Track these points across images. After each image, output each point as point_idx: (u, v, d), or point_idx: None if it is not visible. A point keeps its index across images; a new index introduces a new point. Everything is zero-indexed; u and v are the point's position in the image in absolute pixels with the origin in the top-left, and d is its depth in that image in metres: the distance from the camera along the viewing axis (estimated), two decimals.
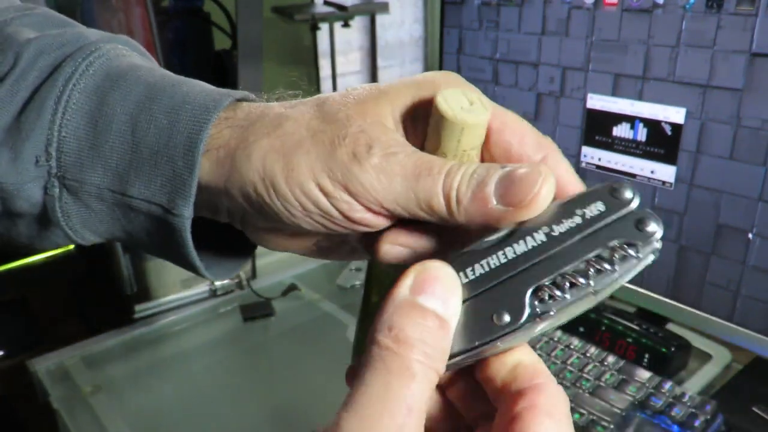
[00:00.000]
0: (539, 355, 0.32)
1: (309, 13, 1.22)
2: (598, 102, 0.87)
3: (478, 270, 0.25)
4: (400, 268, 0.25)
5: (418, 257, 0.27)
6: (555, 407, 0.24)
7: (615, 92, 0.85)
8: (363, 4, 1.36)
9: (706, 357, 0.88)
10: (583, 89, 0.88)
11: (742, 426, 0.75)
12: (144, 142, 0.28)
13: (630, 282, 0.36)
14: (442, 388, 0.28)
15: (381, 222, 0.27)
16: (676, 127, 0.79)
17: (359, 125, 0.27)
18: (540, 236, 0.25)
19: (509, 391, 0.25)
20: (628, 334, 0.87)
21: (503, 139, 0.28)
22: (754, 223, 0.75)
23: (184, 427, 0.86)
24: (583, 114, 0.89)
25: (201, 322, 1.09)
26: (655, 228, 0.24)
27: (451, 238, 0.28)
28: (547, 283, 0.24)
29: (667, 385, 0.77)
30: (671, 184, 0.82)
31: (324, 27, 1.31)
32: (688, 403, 0.74)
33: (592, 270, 0.24)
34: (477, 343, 0.24)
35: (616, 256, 0.24)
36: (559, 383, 0.25)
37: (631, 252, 0.24)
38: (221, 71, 1.09)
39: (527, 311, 0.24)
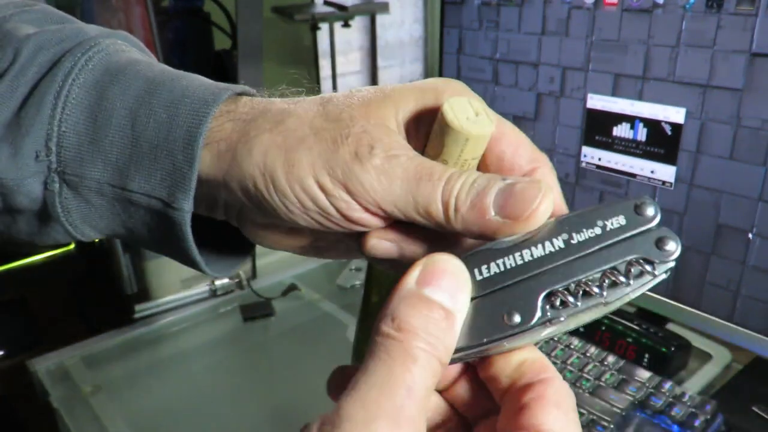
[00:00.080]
0: None
1: (309, 13, 1.22)
2: (598, 102, 0.87)
3: (494, 269, 0.25)
4: (400, 269, 0.25)
5: (405, 258, 0.28)
6: (563, 399, 0.24)
7: (615, 92, 0.85)
8: (363, 4, 1.36)
9: (706, 357, 0.88)
10: (583, 89, 0.88)
11: (742, 426, 0.75)
12: (144, 136, 0.28)
13: None
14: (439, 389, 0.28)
15: (377, 223, 0.27)
16: (676, 127, 0.79)
17: (362, 126, 0.27)
18: (558, 242, 0.25)
19: (516, 387, 0.25)
20: (628, 334, 0.87)
21: (498, 148, 0.28)
22: (754, 223, 0.75)
23: (184, 427, 0.86)
24: (583, 114, 0.89)
25: (201, 322, 1.09)
26: (674, 248, 0.25)
27: (440, 244, 0.28)
28: (560, 289, 0.25)
29: (667, 384, 0.77)
30: (671, 184, 0.82)
31: (324, 27, 1.31)
32: (688, 403, 0.74)
33: (606, 281, 0.25)
34: (485, 340, 0.25)
35: (632, 270, 0.25)
36: None
37: (648, 268, 0.24)
38: (221, 71, 1.09)
39: (538, 314, 0.24)
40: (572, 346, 0.85)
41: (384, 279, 0.35)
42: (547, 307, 0.24)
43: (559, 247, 0.25)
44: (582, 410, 0.75)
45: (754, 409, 0.77)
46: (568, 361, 0.83)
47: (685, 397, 0.75)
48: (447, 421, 0.28)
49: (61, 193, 0.30)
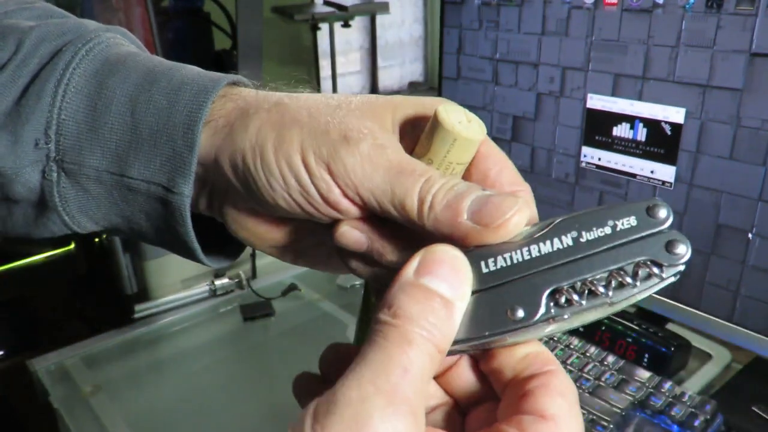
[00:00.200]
0: None
1: (309, 13, 1.22)
2: (598, 102, 0.87)
3: (500, 262, 0.25)
4: (368, 272, 0.26)
5: (372, 253, 0.28)
6: (567, 390, 0.24)
7: (615, 92, 0.85)
8: (363, 4, 1.36)
9: (706, 357, 0.88)
10: (583, 89, 0.88)
11: (742, 426, 0.75)
12: (144, 122, 0.29)
13: None
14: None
15: (354, 211, 0.28)
16: (676, 127, 0.79)
17: (358, 116, 0.28)
18: (567, 240, 0.25)
19: (519, 378, 0.25)
20: (628, 334, 0.87)
21: (485, 165, 0.29)
22: (754, 223, 0.75)
23: (184, 427, 0.86)
24: (583, 114, 0.89)
25: (201, 322, 1.09)
26: (684, 251, 0.24)
27: (410, 246, 0.27)
28: (566, 287, 0.24)
29: (667, 384, 0.77)
30: (671, 184, 0.82)
31: (324, 27, 1.31)
32: (688, 403, 0.74)
33: (613, 281, 0.24)
34: (487, 333, 0.25)
35: (640, 272, 0.24)
36: None
37: (656, 270, 0.24)
38: (221, 71, 1.09)
39: (542, 311, 0.24)
40: (572, 346, 0.85)
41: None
42: (552, 304, 0.24)
43: (567, 244, 0.25)
44: (582, 410, 0.75)
45: (754, 409, 0.77)
46: (568, 361, 0.83)
47: (685, 397, 0.75)
48: (441, 405, 0.28)
49: (59, 182, 0.30)
